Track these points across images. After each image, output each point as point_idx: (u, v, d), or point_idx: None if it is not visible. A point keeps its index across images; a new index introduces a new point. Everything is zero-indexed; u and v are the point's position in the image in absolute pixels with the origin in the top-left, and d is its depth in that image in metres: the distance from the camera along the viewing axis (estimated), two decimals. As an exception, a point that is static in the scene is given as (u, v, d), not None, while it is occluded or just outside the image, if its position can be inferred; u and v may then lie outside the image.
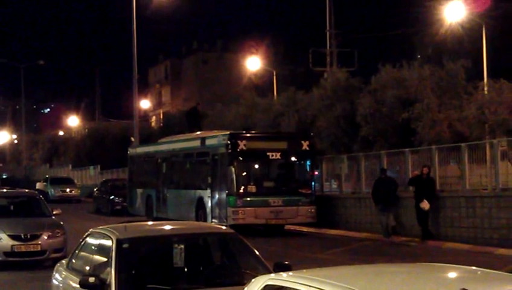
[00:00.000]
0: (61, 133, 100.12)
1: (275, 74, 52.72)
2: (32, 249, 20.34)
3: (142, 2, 49.89)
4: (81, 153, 73.47)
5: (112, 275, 8.98)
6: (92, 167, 67.25)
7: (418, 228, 26.41)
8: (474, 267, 6.52)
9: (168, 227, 11.03)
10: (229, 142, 28.84)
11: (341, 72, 38.52)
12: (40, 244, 20.35)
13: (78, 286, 9.32)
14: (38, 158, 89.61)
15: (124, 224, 10.77)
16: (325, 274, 6.17)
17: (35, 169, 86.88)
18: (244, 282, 7.64)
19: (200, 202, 30.58)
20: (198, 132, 35.93)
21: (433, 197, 25.92)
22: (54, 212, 22.17)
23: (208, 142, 31.16)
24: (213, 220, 29.01)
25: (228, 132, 30.23)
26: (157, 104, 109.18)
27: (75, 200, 57.15)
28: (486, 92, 29.11)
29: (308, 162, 30.04)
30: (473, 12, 35.64)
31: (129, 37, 47.72)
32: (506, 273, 6.34)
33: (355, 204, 30.98)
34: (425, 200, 25.67)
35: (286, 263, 8.99)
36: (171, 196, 34.06)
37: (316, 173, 31.44)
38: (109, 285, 8.89)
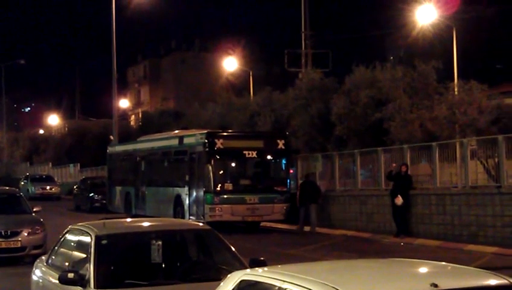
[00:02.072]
0: (41, 131, 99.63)
1: (251, 74, 52.75)
2: (12, 246, 20.23)
3: (122, 2, 49.76)
4: (61, 151, 73.13)
5: (90, 271, 8.96)
6: (71, 165, 66.95)
7: (392, 225, 26.54)
8: (444, 263, 6.56)
9: (146, 224, 11.03)
10: (206, 141, 28.81)
11: (316, 72, 38.51)
12: (20, 240, 20.25)
13: (57, 281, 9.29)
14: (19, 156, 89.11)
15: (102, 221, 10.73)
16: (298, 270, 6.19)
17: (15, 167, 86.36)
18: (220, 277, 7.64)
19: (178, 200, 30.55)
20: (176, 131, 35.92)
21: (408, 194, 26.08)
22: (34, 210, 22.07)
23: (186, 140, 31.12)
24: (190, 217, 28.97)
25: (205, 131, 30.21)
26: (136, 104, 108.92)
27: (55, 197, 56.85)
28: (456, 93, 29.26)
29: (283, 161, 30.06)
30: (443, 15, 35.83)
31: (109, 37, 47.58)
32: (474, 269, 6.38)
33: (330, 201, 31.03)
34: (399, 196, 25.82)
35: (261, 259, 9.00)
36: (150, 194, 34.01)
37: (292, 171, 31.48)
38: (88, 280, 8.87)
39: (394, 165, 26.72)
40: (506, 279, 5.71)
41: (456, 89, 29.61)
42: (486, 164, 24.97)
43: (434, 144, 26.17)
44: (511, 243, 22.03)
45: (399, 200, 25.88)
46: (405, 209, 26.00)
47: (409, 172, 26.36)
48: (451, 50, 34.20)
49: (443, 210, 24.96)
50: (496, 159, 24.05)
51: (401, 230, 25.97)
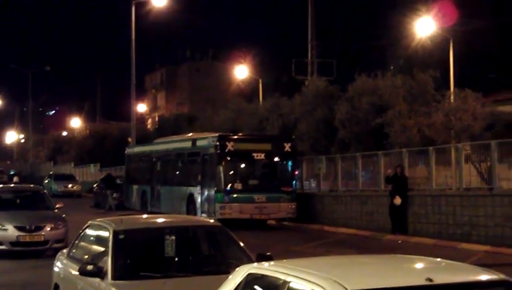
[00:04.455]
0: (64, 133, 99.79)
1: (260, 81, 52.67)
2: (36, 240, 20.28)
3: (140, 14, 49.78)
4: (83, 151, 73.26)
5: (108, 264, 8.97)
6: (92, 165, 67.02)
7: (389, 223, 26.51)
8: (439, 259, 6.54)
9: (160, 220, 11.02)
10: (217, 143, 28.83)
11: (321, 80, 38.56)
12: (43, 235, 20.31)
13: (77, 273, 9.30)
14: (43, 156, 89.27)
15: (120, 217, 10.73)
16: (302, 264, 6.18)
17: (40, 166, 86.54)
18: (229, 271, 7.62)
19: (191, 198, 30.55)
20: (190, 134, 35.94)
21: (406, 193, 26.07)
22: (57, 206, 22.10)
23: (199, 143, 31.14)
24: (202, 214, 28.97)
25: (217, 134, 30.21)
26: (153, 108, 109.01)
27: (76, 195, 56.92)
28: (452, 100, 29.22)
29: (289, 163, 30.04)
30: (441, 27, 35.75)
31: (128, 46, 47.64)
32: (467, 265, 6.37)
33: (332, 201, 31.03)
34: (397, 196, 25.84)
35: (268, 254, 8.99)
36: (164, 192, 34.01)
37: (297, 172, 31.45)
38: (106, 272, 8.88)
39: (390, 171, 26.75)
40: (496, 274, 5.69)
41: (452, 97, 29.57)
42: (479, 168, 24.92)
43: (431, 148, 26.13)
44: (501, 242, 21.98)
45: (397, 200, 25.89)
46: (402, 208, 25.97)
47: (406, 174, 26.36)
48: (447, 60, 34.11)
49: (438, 210, 24.91)
50: (489, 163, 23.99)
51: (396, 228, 26.01)
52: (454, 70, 33.68)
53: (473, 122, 27.40)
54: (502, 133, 26.69)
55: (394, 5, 50.17)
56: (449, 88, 31.76)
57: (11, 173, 75.78)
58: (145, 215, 13.24)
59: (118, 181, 43.25)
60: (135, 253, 9.70)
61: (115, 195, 42.68)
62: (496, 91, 39.76)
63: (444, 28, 36.18)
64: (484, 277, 5.68)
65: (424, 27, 35.49)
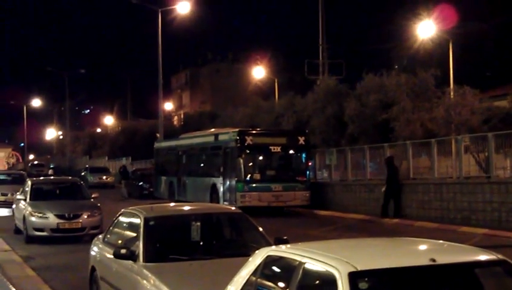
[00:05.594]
0: (98, 130, 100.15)
1: (276, 81, 52.64)
2: (74, 226, 20.40)
3: (166, 21, 49.86)
4: (115, 146, 73.45)
5: (140, 247, 9.01)
6: (124, 158, 67.20)
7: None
8: (441, 241, 6.52)
9: (186, 208, 11.05)
10: (238, 137, 28.83)
11: (331, 79, 38.43)
12: (81, 222, 20.41)
13: (112, 256, 9.35)
14: (80, 151, 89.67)
15: (150, 205, 10.78)
16: (316, 247, 6.18)
17: (77, 160, 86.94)
18: (249, 253, 7.62)
19: (214, 188, 30.58)
20: (213, 129, 35.98)
21: (394, 181, 26.27)
22: (93, 196, 22.22)
23: (221, 137, 31.15)
24: (224, 202, 29.00)
25: (237, 129, 30.21)
26: (179, 106, 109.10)
27: (110, 185, 57.06)
28: (452, 97, 29.06)
29: (303, 155, 30.01)
30: (441, 29, 35.59)
31: (155, 50, 47.74)
32: (467, 246, 6.35)
33: (343, 189, 30.97)
34: (385, 185, 26.30)
35: (285, 237, 9.00)
36: (190, 182, 34.07)
37: (310, 163, 31.42)
38: (138, 255, 8.92)
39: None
40: (494, 255, 5.68)
41: (451, 93, 29.40)
42: (477, 158, 24.80)
43: (433, 140, 26.03)
44: (498, 225, 21.90)
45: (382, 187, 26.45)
46: (392, 194, 26.17)
47: (408, 165, 26.49)
48: (447, 59, 33.95)
49: (440, 197, 24.82)
50: (486, 154, 23.88)
51: (395, 212, 26.22)
52: (454, 69, 33.53)
53: (471, 117, 27.23)
54: (498, 126, 26.51)
55: (398, 9, 49.99)
56: (449, 85, 31.59)
57: (51, 166, 76.20)
58: (172, 204, 13.30)
59: (130, 174, 47.29)
60: (164, 238, 9.74)
61: (145, 186, 42.90)
62: (492, 88, 39.55)
63: (444, 30, 36.02)
64: (483, 257, 5.66)
65: (426, 30, 35.38)
